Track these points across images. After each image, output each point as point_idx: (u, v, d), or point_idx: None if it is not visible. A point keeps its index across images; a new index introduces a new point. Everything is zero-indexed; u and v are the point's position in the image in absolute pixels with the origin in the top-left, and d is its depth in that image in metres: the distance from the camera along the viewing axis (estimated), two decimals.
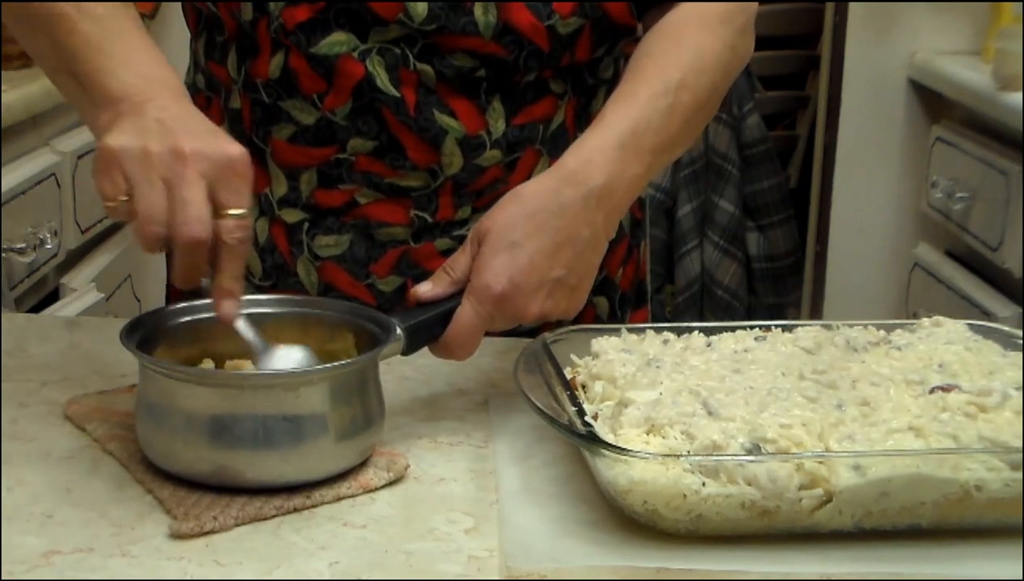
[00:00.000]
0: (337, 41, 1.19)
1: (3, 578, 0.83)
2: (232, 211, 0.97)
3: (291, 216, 1.26)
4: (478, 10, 1.18)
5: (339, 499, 0.94)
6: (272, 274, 1.28)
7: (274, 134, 1.25)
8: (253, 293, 1.28)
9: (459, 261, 1.08)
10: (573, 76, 1.25)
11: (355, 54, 1.19)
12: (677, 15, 1.22)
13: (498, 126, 1.23)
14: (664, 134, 1.16)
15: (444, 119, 1.21)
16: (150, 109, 1.01)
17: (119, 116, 1.01)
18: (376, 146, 1.22)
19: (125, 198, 0.97)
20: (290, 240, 1.27)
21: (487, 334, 1.08)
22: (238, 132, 1.27)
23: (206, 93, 1.31)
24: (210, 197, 0.97)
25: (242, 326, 1.00)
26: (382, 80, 1.19)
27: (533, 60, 1.21)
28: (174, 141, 0.97)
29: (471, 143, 1.22)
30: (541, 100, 1.24)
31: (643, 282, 1.41)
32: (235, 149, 0.99)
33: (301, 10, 1.19)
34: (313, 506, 0.93)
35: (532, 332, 1.22)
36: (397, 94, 1.20)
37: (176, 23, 2.94)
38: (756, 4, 1.27)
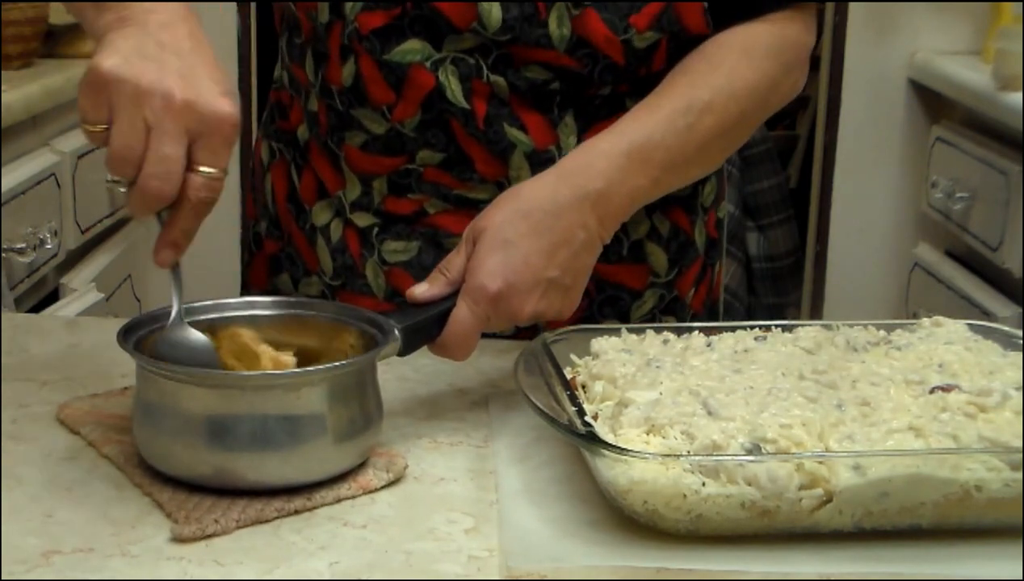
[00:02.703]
0: (411, 49, 1.18)
1: (3, 578, 0.83)
2: (205, 170, 0.94)
3: (362, 220, 1.26)
4: (552, 22, 1.16)
5: (339, 500, 0.94)
6: (342, 274, 1.28)
7: (347, 140, 1.24)
8: (322, 291, 1.28)
9: (454, 261, 1.08)
10: (650, 91, 1.20)
11: (427, 64, 1.18)
12: (724, 38, 1.20)
13: (569, 141, 1.21)
14: (678, 152, 1.14)
15: (514, 133, 1.20)
16: (155, 24, 0.97)
17: (121, 23, 0.97)
18: (444, 158, 1.21)
19: (105, 127, 0.94)
20: (361, 243, 1.26)
21: (485, 335, 1.08)
22: (315, 134, 1.27)
23: (290, 92, 1.31)
24: (188, 150, 0.94)
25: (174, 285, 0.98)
26: (452, 91, 1.18)
27: (608, 74, 1.19)
28: (169, 84, 0.93)
29: (540, 157, 1.20)
30: (615, 116, 1.18)
31: (716, 303, 1.39)
32: (226, 108, 0.95)
33: (377, 16, 1.18)
34: (313, 508, 0.93)
35: (531, 333, 1.22)
36: (467, 106, 1.19)
37: None
38: (813, 41, 1.24)
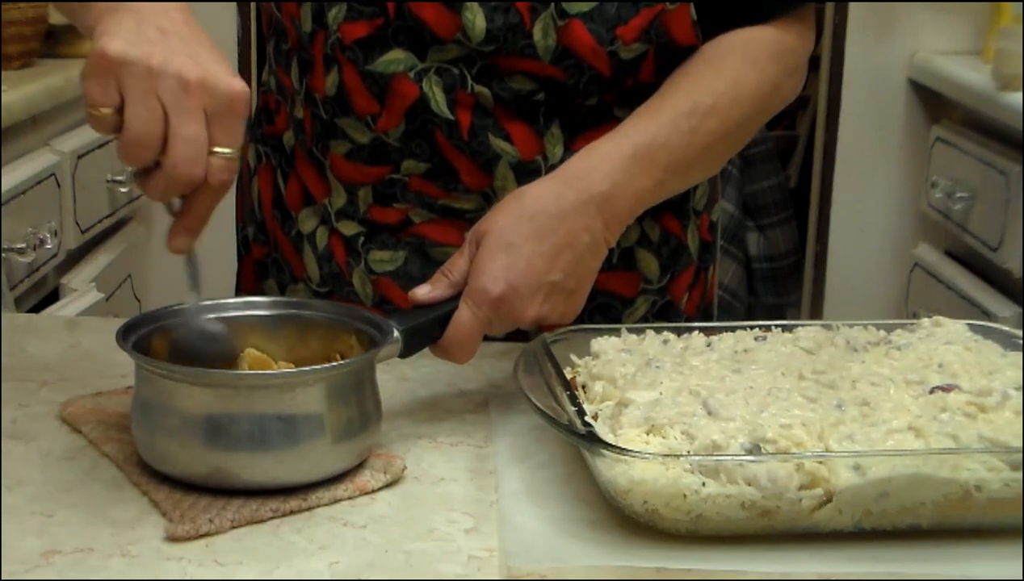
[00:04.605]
0: (394, 59, 1.18)
1: (3, 578, 0.83)
2: (222, 150, 0.93)
3: (348, 228, 1.26)
4: (537, 33, 1.16)
5: (335, 501, 0.94)
6: (329, 281, 1.28)
7: (332, 149, 1.24)
8: (310, 298, 1.28)
9: (457, 263, 1.08)
10: (638, 100, 1.19)
11: (411, 74, 1.17)
12: (725, 42, 1.19)
13: (556, 151, 1.20)
14: (681, 154, 1.14)
15: (499, 143, 1.19)
16: (149, 11, 0.95)
17: (113, 11, 0.95)
18: (429, 168, 1.21)
19: (114, 111, 0.92)
20: (347, 251, 1.26)
21: (487, 338, 1.08)
22: (301, 141, 1.27)
23: (277, 97, 1.30)
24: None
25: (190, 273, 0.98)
26: (437, 102, 1.18)
27: (594, 84, 1.18)
28: (180, 64, 0.91)
29: (526, 168, 1.20)
30: (603, 125, 1.18)
31: (710, 306, 1.38)
32: (238, 85, 0.93)
33: (360, 26, 1.17)
34: (309, 508, 0.93)
35: (526, 334, 1.22)
36: (451, 117, 1.18)
37: None
38: (811, 46, 1.24)
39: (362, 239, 1.25)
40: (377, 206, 1.24)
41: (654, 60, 1.19)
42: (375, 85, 1.19)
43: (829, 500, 0.88)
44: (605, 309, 1.28)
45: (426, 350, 1.07)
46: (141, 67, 0.91)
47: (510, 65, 1.17)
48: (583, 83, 1.18)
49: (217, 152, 0.93)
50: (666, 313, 1.31)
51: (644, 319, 1.29)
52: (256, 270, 1.35)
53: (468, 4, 1.15)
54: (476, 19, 1.15)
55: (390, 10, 1.16)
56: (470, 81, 1.18)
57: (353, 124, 1.22)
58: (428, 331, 1.05)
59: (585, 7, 1.15)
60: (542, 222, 1.07)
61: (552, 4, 1.15)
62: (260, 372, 0.99)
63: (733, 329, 1.12)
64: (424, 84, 1.18)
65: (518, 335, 1.22)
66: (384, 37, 1.17)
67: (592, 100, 1.20)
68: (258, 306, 1.06)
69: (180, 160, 0.92)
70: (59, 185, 2.36)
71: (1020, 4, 2.67)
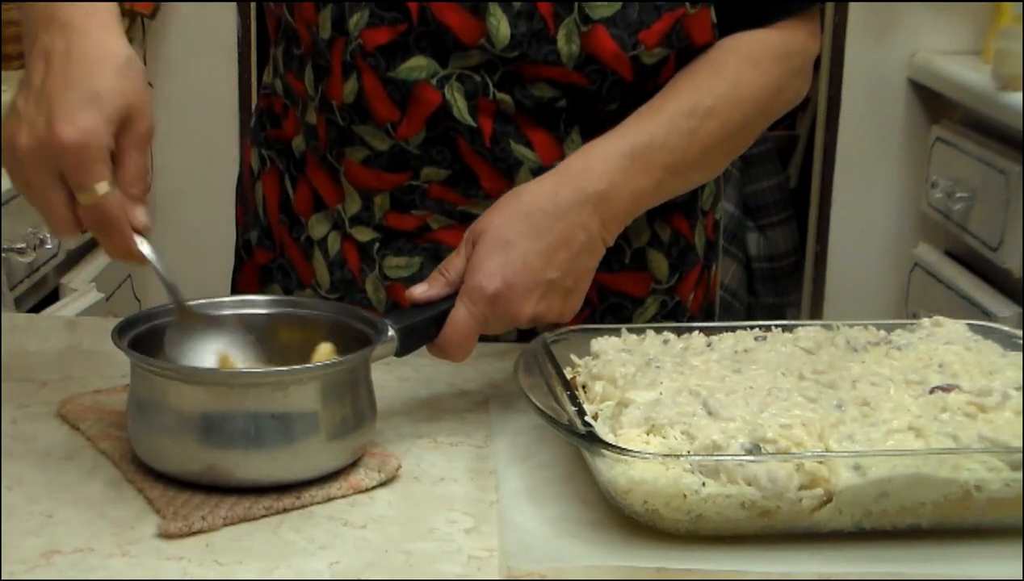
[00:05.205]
0: (417, 66, 1.17)
1: (3, 578, 0.83)
2: (83, 197, 0.93)
3: (363, 234, 1.25)
4: (561, 39, 1.15)
5: (329, 499, 0.94)
6: (340, 287, 1.27)
7: (348, 156, 1.23)
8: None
9: (454, 262, 1.08)
10: None
11: (433, 81, 1.17)
12: (729, 43, 1.19)
13: None
14: (680, 155, 1.14)
15: (520, 150, 1.19)
16: (38, 51, 0.95)
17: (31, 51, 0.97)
18: (449, 175, 1.20)
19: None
20: (361, 257, 1.25)
21: (486, 338, 1.08)
22: (313, 146, 1.26)
23: (284, 101, 1.29)
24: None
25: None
26: (459, 109, 1.17)
27: (616, 90, 1.18)
28: (21, 137, 0.92)
29: None
30: None
31: (712, 304, 1.39)
32: (67, 132, 0.91)
33: (382, 32, 1.16)
34: (303, 506, 0.93)
35: (531, 335, 1.22)
36: (473, 124, 1.18)
37: (176, 24, 2.94)
38: (817, 48, 1.24)
39: (377, 245, 1.25)
40: (394, 212, 1.23)
41: (675, 65, 1.19)
42: (396, 92, 1.18)
43: (829, 500, 0.88)
44: (616, 309, 1.28)
45: (426, 351, 1.07)
46: (6, 150, 0.94)
47: (533, 72, 1.17)
48: (605, 89, 1.18)
49: (81, 198, 0.93)
50: (675, 313, 1.31)
51: (654, 319, 1.29)
52: (260, 275, 1.34)
53: (492, 10, 1.15)
54: (500, 25, 1.15)
55: (413, 16, 1.16)
56: (492, 88, 1.17)
57: (371, 131, 1.21)
58: (424, 330, 1.05)
59: (607, 12, 1.15)
60: (538, 220, 1.07)
61: (575, 10, 1.15)
62: (253, 370, 0.99)
63: (733, 329, 1.12)
64: (446, 91, 1.17)
65: (522, 335, 1.22)
66: (406, 43, 1.17)
67: (613, 105, 1.20)
68: (254, 305, 1.06)
69: (49, 228, 0.96)
70: None
71: (1020, 4, 2.67)
